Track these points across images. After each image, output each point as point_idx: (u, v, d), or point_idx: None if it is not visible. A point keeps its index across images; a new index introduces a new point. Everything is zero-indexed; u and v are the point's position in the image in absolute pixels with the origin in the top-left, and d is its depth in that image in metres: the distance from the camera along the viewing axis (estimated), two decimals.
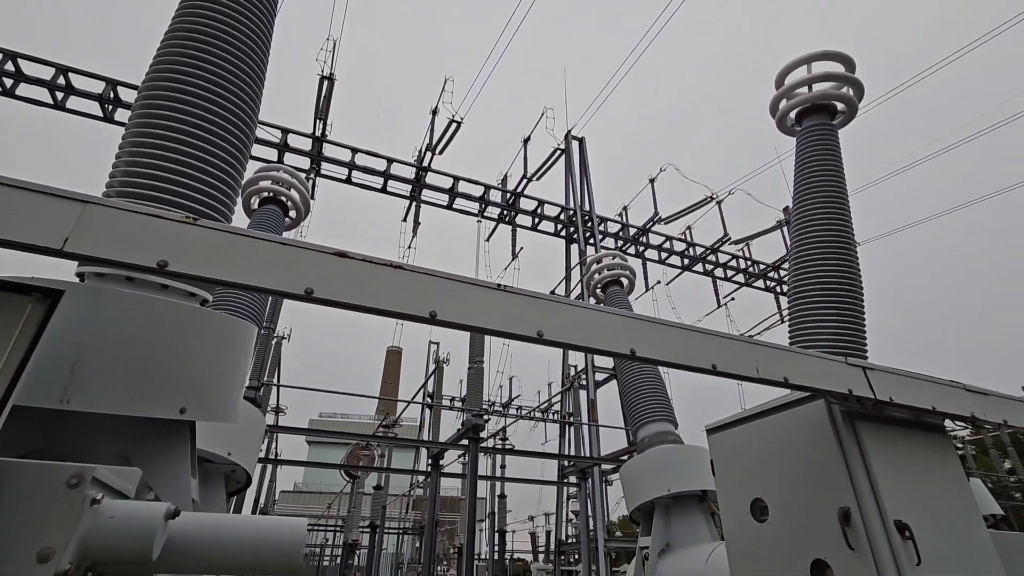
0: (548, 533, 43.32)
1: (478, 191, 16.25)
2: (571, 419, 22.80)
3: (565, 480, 21.51)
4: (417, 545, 35.45)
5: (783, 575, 2.70)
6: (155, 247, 1.42)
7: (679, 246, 21.11)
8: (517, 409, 23.44)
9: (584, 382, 21.94)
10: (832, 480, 2.55)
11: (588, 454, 19.70)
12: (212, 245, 1.48)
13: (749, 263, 24.98)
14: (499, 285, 1.82)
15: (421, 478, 29.97)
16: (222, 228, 1.53)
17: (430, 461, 14.99)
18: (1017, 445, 26.73)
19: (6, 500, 1.42)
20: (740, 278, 25.28)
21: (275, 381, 15.16)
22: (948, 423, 2.89)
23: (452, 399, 21.99)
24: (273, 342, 13.46)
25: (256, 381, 11.11)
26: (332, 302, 1.59)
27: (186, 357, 2.18)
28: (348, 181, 14.73)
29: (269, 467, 22.48)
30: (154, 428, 2.18)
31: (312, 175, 14.00)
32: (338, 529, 32.18)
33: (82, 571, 1.55)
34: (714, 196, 19.01)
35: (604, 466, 19.90)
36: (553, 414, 24.93)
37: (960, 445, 31.13)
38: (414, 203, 15.87)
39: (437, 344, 24.62)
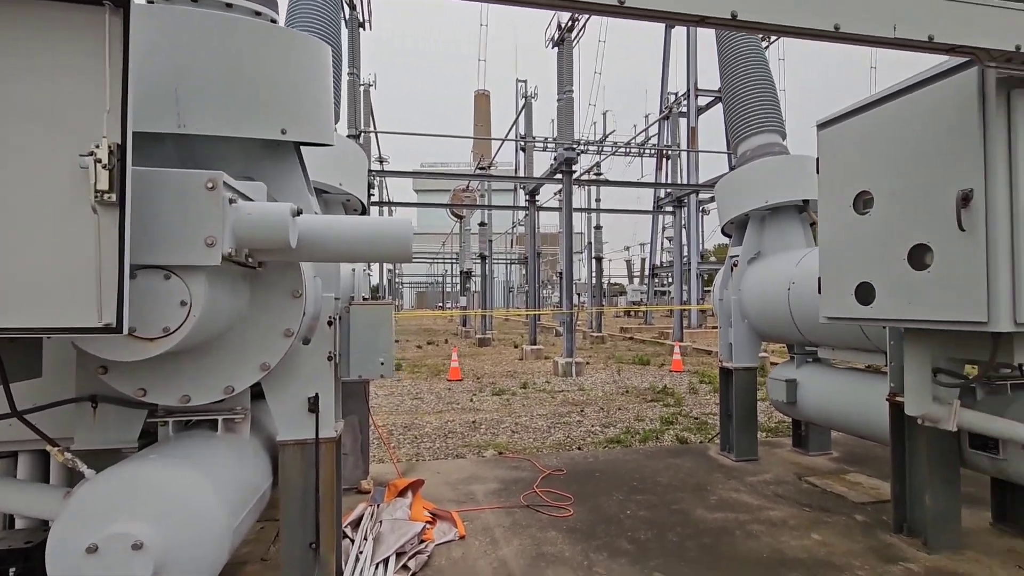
0: (643, 260, 46.69)
1: None
2: (668, 150, 21.94)
3: (660, 209, 21.94)
4: (523, 273, 40.37)
5: (878, 262, 2.72)
6: None
7: None
8: (612, 145, 22.78)
9: (684, 108, 20.26)
10: (957, 162, 2.30)
11: (686, 182, 19.43)
12: None
13: None
14: None
15: (522, 215, 32.17)
16: None
17: (527, 198, 15.78)
18: None
19: (164, 200, 1.71)
20: None
21: (372, 129, 15.64)
22: None
23: (544, 139, 21.68)
24: (361, 89, 13.41)
25: (354, 129, 11.55)
26: None
27: (276, 76, 2.25)
28: None
29: (385, 210, 25.03)
30: (266, 151, 2.40)
31: None
32: (454, 261, 37.06)
33: (243, 256, 1.93)
34: None
35: (701, 195, 19.78)
36: (650, 148, 24.02)
37: None
38: None
39: (525, 81, 23.30)
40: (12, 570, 2.24)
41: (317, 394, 2.42)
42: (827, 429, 5.22)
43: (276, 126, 2.27)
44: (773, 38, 18.10)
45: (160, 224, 1.72)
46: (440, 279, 48.71)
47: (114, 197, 1.43)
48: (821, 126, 3.07)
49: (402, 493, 3.68)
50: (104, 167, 1.41)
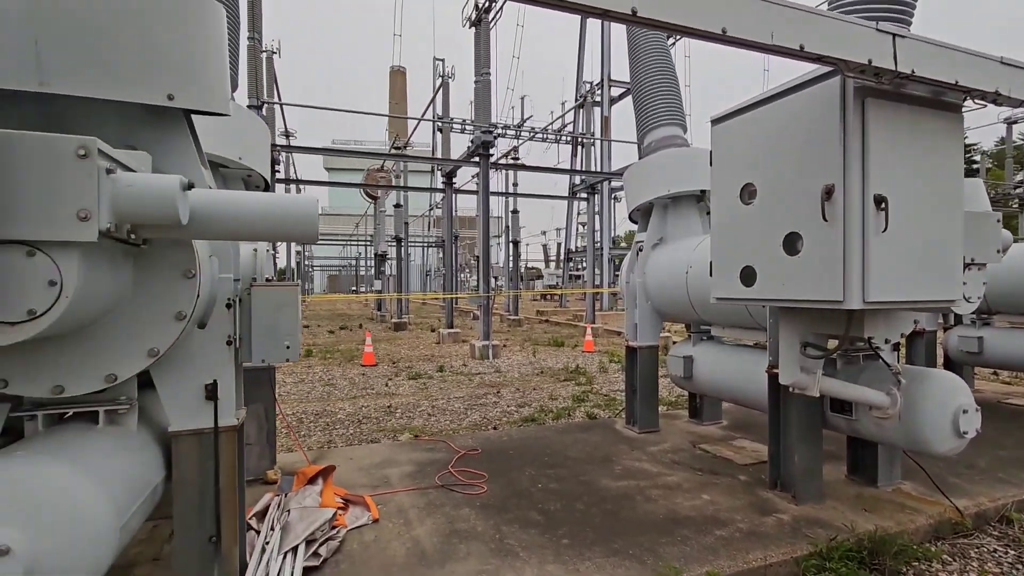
0: (558, 245, 47.91)
1: None
2: (583, 138, 22.55)
3: (575, 195, 22.58)
4: (440, 256, 39.95)
5: (759, 248, 3.02)
6: None
7: None
8: (530, 130, 23.00)
9: (599, 98, 20.88)
10: (823, 161, 2.60)
11: (599, 170, 20.12)
12: None
13: None
14: None
15: (439, 198, 31.74)
16: None
17: (444, 180, 15.57)
18: None
19: (24, 167, 1.52)
20: None
21: (276, 100, 14.59)
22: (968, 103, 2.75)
23: (463, 121, 21.43)
24: (263, 56, 12.44)
25: (255, 99, 10.75)
26: None
27: (163, 34, 2.03)
28: None
29: (293, 188, 23.62)
30: (150, 118, 2.19)
31: None
32: (368, 244, 35.86)
33: (124, 233, 1.76)
34: None
35: (614, 183, 20.61)
36: (566, 135, 24.53)
37: (978, 158, 30.86)
38: None
39: (442, 60, 22.82)
40: None
41: (216, 380, 2.29)
42: (718, 400, 5.74)
43: (162, 90, 2.07)
44: (678, 36, 19.08)
45: (20, 194, 1.53)
46: (354, 262, 47.02)
47: None
48: (714, 121, 3.33)
49: (312, 480, 3.58)
50: None
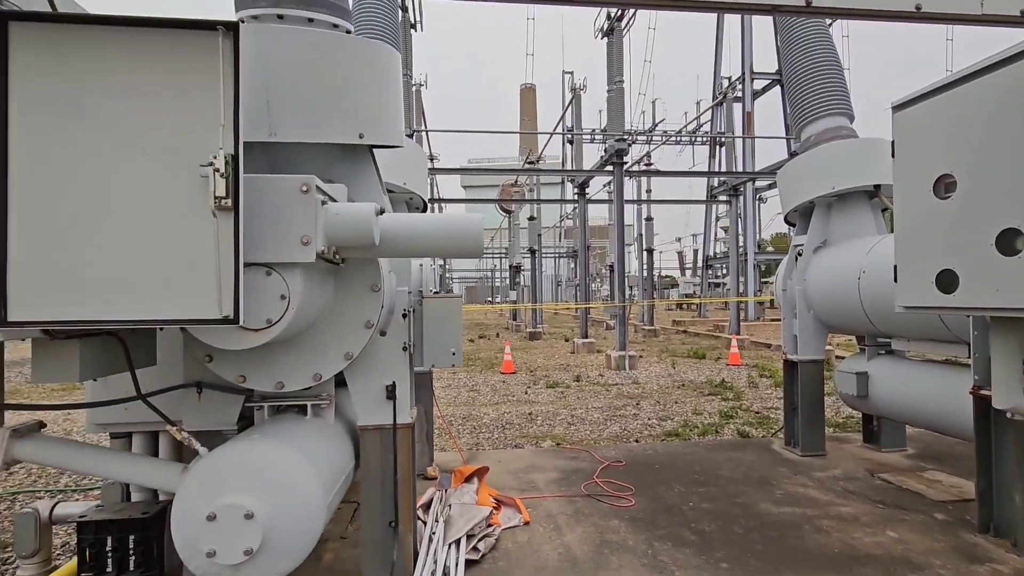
0: (695, 252, 45.39)
1: None
2: (722, 137, 21.21)
3: (714, 198, 21.27)
4: (572, 266, 40.17)
5: (961, 248, 2.60)
6: None
7: None
8: (662, 134, 22.23)
9: (739, 93, 19.52)
10: None
11: (742, 170, 18.75)
12: None
13: None
14: None
15: (570, 209, 32.04)
16: None
17: (576, 191, 15.70)
18: None
19: (265, 204, 1.88)
20: None
21: (423, 128, 15.99)
22: None
23: (592, 131, 21.40)
24: (413, 89, 13.74)
25: (407, 129, 11.88)
26: None
27: (354, 84, 2.40)
28: None
29: (435, 206, 25.48)
30: (345, 155, 2.57)
31: None
32: (503, 256, 37.34)
33: (331, 253, 2.08)
34: None
35: (758, 183, 19.02)
36: (702, 135, 23.29)
37: None
38: None
39: (571, 73, 23.12)
40: (132, 537, 2.53)
41: (394, 382, 2.57)
42: (901, 424, 4.99)
43: (355, 131, 2.42)
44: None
45: (261, 225, 1.89)
46: (489, 274, 49.26)
47: (230, 202, 1.59)
48: (897, 108, 2.95)
49: (468, 479, 3.83)
50: (221, 175, 1.57)
